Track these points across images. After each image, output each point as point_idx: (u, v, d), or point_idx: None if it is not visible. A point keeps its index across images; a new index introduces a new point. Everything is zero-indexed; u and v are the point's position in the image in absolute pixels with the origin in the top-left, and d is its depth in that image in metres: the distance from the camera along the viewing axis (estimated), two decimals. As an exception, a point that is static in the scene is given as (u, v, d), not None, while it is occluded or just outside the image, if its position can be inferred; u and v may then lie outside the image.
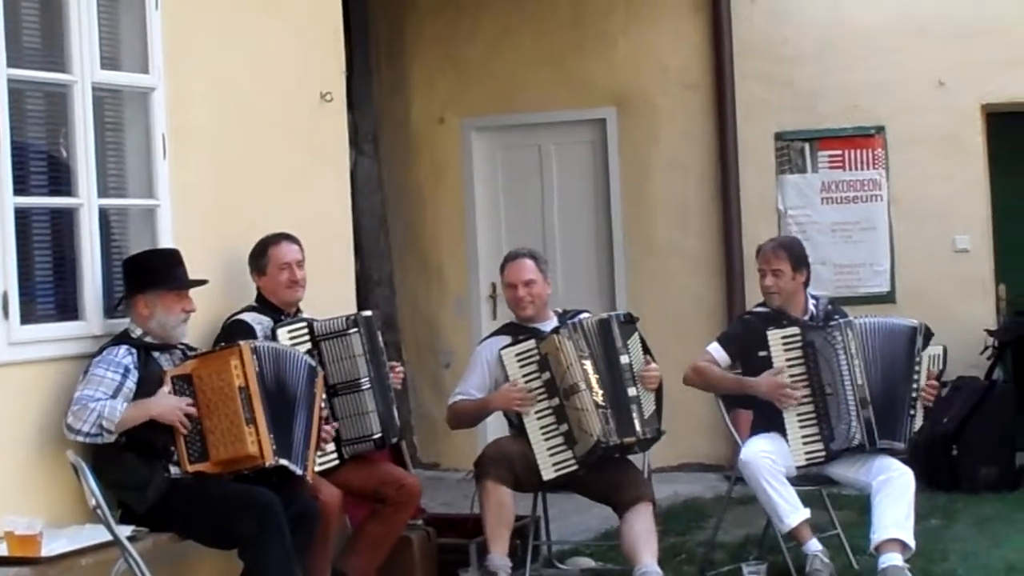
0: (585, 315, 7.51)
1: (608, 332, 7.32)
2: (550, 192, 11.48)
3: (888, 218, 10.75)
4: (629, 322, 7.42)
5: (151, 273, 6.36)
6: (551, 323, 7.51)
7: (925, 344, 7.37)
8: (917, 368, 7.34)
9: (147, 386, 6.19)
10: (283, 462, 6.29)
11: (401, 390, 7.39)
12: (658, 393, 7.40)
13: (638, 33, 11.15)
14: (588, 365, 7.22)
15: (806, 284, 7.64)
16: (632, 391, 7.27)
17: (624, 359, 7.30)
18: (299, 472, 6.36)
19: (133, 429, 6.07)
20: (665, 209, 11.12)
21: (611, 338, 7.31)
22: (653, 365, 7.41)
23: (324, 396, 6.73)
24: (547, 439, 7.25)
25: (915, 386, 7.31)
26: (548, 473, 7.23)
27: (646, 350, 7.44)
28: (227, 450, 6.18)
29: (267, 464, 6.22)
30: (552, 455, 7.24)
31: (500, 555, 7.19)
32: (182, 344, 6.48)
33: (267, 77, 7.50)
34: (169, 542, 6.18)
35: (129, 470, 6.10)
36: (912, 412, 7.31)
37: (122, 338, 6.30)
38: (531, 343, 7.32)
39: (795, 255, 7.56)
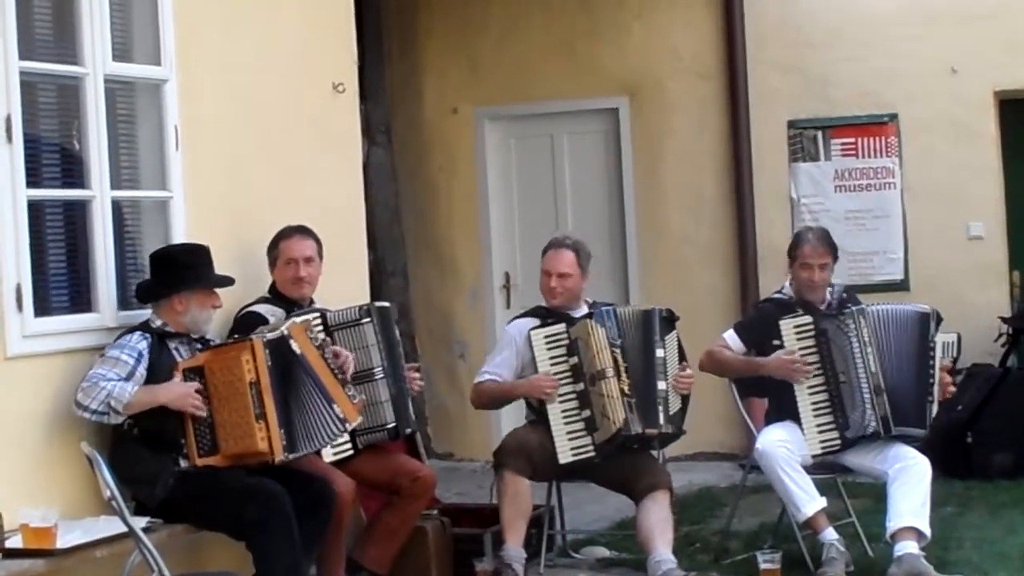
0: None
1: (650, 323, 7.36)
2: (563, 181, 11.47)
3: (901, 206, 10.72)
4: (670, 319, 7.45)
5: (188, 270, 6.37)
6: (581, 311, 7.52)
7: (936, 329, 7.37)
8: (932, 354, 7.32)
9: (157, 375, 6.19)
10: (293, 457, 6.28)
11: (416, 381, 7.38)
12: (685, 396, 7.43)
13: (651, 21, 11.13)
14: (619, 353, 7.25)
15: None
16: (662, 385, 7.29)
17: (660, 352, 7.33)
18: (329, 436, 6.37)
19: (144, 419, 6.09)
20: (678, 198, 11.11)
21: (651, 330, 7.35)
22: (690, 371, 7.43)
23: (323, 338, 6.63)
24: (567, 423, 7.27)
25: (931, 372, 7.31)
26: (565, 457, 7.24)
27: (682, 356, 7.46)
28: (237, 444, 6.18)
29: (276, 461, 6.21)
30: (571, 440, 7.25)
31: (515, 546, 7.20)
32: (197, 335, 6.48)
33: (279, 68, 7.50)
34: (184, 533, 6.20)
35: (140, 465, 6.11)
36: (930, 398, 7.30)
37: (139, 327, 6.31)
38: (561, 326, 7.34)
39: (835, 248, 7.60)
